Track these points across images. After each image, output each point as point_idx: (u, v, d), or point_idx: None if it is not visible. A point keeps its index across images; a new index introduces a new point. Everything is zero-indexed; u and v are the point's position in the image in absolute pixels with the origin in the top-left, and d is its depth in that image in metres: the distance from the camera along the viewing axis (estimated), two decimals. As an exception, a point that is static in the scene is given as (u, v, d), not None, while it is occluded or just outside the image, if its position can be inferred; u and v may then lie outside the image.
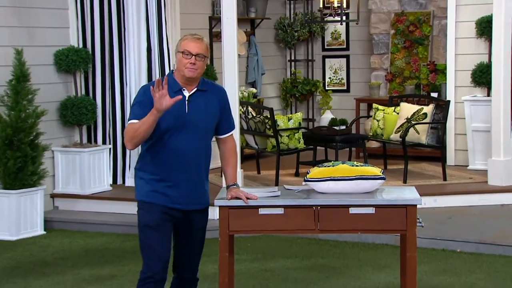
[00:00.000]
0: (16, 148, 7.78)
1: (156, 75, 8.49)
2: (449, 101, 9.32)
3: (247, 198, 4.48)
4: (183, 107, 4.37)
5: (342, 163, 4.68)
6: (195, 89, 4.42)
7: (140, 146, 4.45)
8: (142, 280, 4.42)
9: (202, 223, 4.55)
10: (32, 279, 6.41)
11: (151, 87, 4.24)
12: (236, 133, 7.81)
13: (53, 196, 8.67)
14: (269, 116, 8.85)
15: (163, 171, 4.40)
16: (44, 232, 7.99)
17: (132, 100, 5.41)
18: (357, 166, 4.65)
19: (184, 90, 4.40)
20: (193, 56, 4.35)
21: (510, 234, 7.18)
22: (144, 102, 4.36)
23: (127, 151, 8.82)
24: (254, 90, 11.01)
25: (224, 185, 4.67)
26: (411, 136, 9.00)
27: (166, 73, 7.72)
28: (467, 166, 9.70)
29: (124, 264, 6.77)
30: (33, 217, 7.94)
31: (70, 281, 6.34)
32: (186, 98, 4.38)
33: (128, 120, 4.42)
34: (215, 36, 10.55)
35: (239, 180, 7.46)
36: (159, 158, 4.40)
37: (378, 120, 9.55)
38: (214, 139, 4.60)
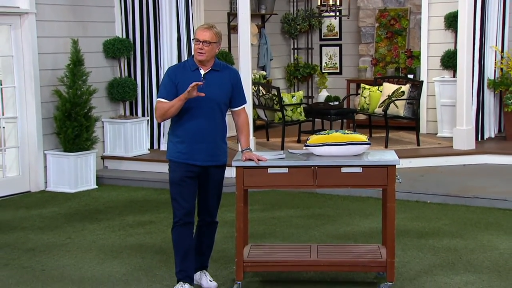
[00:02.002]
0: (74, 119, 7.79)
1: (184, 59, 8.47)
2: (422, 81, 9.26)
3: (258, 160, 4.48)
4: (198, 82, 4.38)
5: (336, 132, 4.67)
6: (210, 68, 4.44)
7: None
8: (173, 224, 4.50)
9: (218, 177, 4.56)
10: (87, 223, 6.46)
11: (189, 87, 4.27)
12: (249, 107, 7.81)
13: (103, 157, 8.70)
14: (276, 94, 8.82)
15: (185, 135, 4.43)
16: (96, 187, 8.03)
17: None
18: (347, 134, 4.63)
19: (200, 69, 4.42)
20: (201, 43, 4.36)
21: (471, 188, 7.17)
22: (167, 83, 4.43)
23: (161, 122, 8.83)
24: (264, 72, 10.97)
25: (239, 149, 4.67)
26: (392, 109, 8.96)
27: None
28: (436, 134, 9.68)
29: (160, 212, 6.81)
30: (87, 174, 7.97)
31: (118, 225, 6.39)
32: (202, 76, 4.39)
33: (157, 97, 4.45)
34: (232, 28, 10.49)
35: (252, 146, 7.48)
36: (182, 124, 4.43)
37: (365, 97, 9.51)
38: (229, 112, 4.61)
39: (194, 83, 4.26)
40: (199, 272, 4.72)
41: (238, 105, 4.57)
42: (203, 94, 4.30)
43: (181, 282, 4.49)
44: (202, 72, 4.42)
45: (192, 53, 4.52)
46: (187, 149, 4.42)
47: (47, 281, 4.94)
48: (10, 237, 6.07)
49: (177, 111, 4.35)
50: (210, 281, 4.70)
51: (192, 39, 4.42)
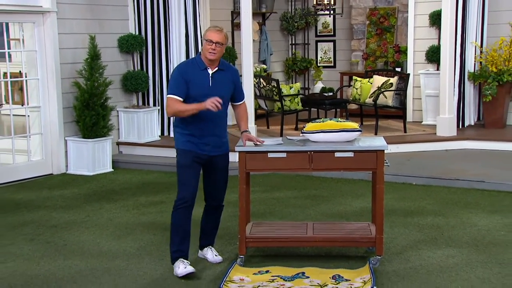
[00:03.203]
0: (91, 109, 7.80)
1: (192, 54, 8.47)
2: (409, 74, 9.25)
3: (257, 141, 4.52)
4: (207, 81, 4.38)
5: (330, 120, 4.68)
6: (216, 68, 4.43)
7: None
8: (177, 203, 4.43)
9: (223, 164, 4.58)
10: (104, 203, 6.49)
11: (211, 104, 4.25)
12: (250, 98, 7.83)
13: (118, 143, 8.71)
14: (275, 85, 8.82)
15: (193, 128, 4.42)
16: (112, 170, 8.05)
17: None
18: (341, 122, 4.64)
19: (208, 68, 4.40)
20: (214, 44, 4.33)
21: (452, 171, 7.18)
22: (178, 80, 4.35)
23: (171, 111, 8.82)
24: (264, 66, 10.95)
25: (240, 131, 4.67)
26: (381, 100, 8.96)
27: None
28: (421, 122, 9.69)
29: (170, 193, 6.82)
30: (104, 158, 7.99)
31: (132, 205, 6.42)
32: (210, 75, 4.39)
33: (168, 93, 4.39)
34: (236, 26, 10.46)
35: (253, 133, 7.49)
36: (190, 118, 4.40)
37: (356, 88, 9.50)
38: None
39: (216, 101, 4.24)
40: (205, 248, 4.74)
41: (239, 100, 4.63)
42: (220, 107, 4.28)
43: (182, 259, 4.42)
44: (210, 71, 4.41)
45: (199, 50, 4.51)
46: (195, 140, 4.42)
47: (68, 254, 4.97)
48: (35, 215, 6.10)
49: (190, 115, 4.34)
50: (216, 255, 4.73)
51: (204, 38, 4.36)
